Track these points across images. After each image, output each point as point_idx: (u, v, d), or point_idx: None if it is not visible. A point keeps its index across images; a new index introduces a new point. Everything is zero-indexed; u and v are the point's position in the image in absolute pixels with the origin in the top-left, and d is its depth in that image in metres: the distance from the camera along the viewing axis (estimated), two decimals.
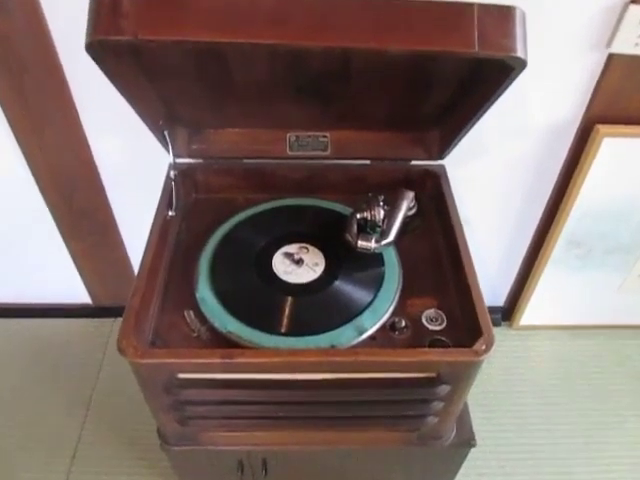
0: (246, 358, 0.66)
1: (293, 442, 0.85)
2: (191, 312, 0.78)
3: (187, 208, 0.95)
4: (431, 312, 0.79)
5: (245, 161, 0.95)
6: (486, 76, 0.72)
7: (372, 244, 0.81)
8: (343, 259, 0.84)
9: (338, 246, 0.85)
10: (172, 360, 0.66)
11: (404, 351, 0.69)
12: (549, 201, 1.13)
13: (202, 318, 0.77)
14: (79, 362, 1.32)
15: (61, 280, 1.34)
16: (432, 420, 0.78)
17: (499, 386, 1.26)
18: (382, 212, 0.84)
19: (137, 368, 0.68)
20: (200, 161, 0.95)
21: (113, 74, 0.70)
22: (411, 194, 0.87)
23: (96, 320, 1.39)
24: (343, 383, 0.71)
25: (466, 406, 0.91)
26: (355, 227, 0.84)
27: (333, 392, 0.72)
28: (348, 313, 0.76)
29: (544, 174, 1.10)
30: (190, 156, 0.93)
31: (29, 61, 0.94)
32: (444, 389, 0.72)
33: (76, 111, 1.00)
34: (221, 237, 0.88)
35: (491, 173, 1.11)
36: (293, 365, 0.67)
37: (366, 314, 0.77)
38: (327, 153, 0.94)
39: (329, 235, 0.87)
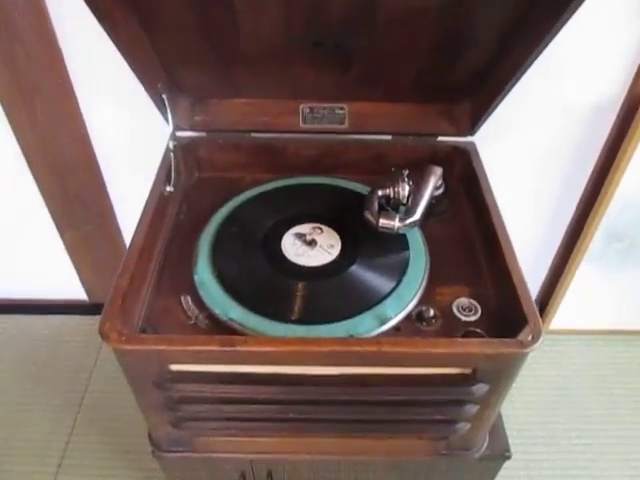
0: (250, 346, 0.56)
1: (303, 450, 0.74)
2: (188, 297, 0.68)
3: (189, 188, 0.86)
4: (463, 301, 0.69)
5: (253, 135, 0.86)
6: (536, 17, 0.62)
7: (396, 223, 0.71)
8: (362, 241, 0.74)
9: (356, 227, 0.75)
10: (163, 347, 0.56)
11: (437, 341, 0.58)
12: (587, 189, 1.02)
13: (200, 304, 0.67)
14: (72, 362, 1.22)
15: (55, 274, 1.25)
16: (463, 427, 0.67)
17: (529, 395, 1.15)
18: (407, 188, 0.75)
19: (122, 357, 0.58)
20: (203, 135, 0.86)
21: (109, 23, 0.62)
22: (439, 170, 0.77)
23: (91, 317, 1.29)
24: (363, 380, 0.61)
25: (499, 413, 0.80)
26: (376, 205, 0.74)
27: (351, 391, 0.62)
28: (368, 300, 0.66)
29: (582, 158, 0.99)
30: (192, 128, 0.84)
31: (20, 27, 0.86)
32: (480, 389, 0.61)
33: (70, 82, 0.91)
34: (225, 216, 0.78)
35: (522, 157, 1.01)
36: (305, 356, 0.57)
37: (389, 301, 0.66)
38: (344, 126, 0.84)
39: (346, 215, 0.78)
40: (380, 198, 0.75)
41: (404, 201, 0.75)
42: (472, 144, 0.85)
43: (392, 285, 0.68)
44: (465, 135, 0.85)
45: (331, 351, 0.56)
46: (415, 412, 0.65)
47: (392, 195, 0.75)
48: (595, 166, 0.99)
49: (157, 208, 0.73)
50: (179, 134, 0.84)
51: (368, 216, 0.73)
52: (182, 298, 0.68)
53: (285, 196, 0.82)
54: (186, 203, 0.83)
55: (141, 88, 0.74)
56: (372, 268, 0.71)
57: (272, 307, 0.65)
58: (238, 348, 0.56)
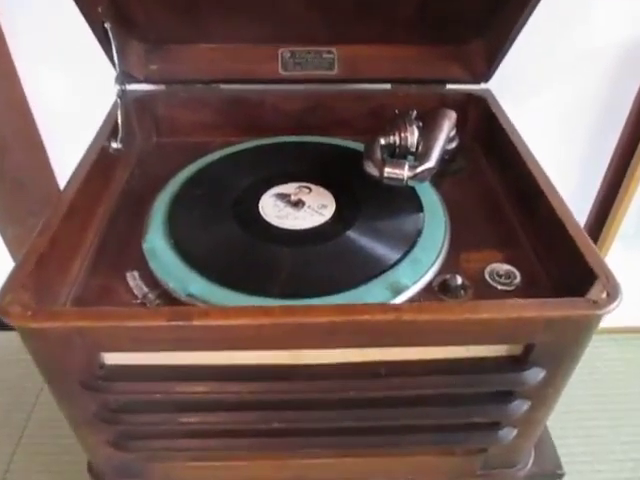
0: (212, 320, 0.39)
1: (293, 477, 0.56)
2: (135, 273, 0.51)
3: (144, 154, 0.70)
4: (497, 267, 0.52)
5: (223, 87, 0.71)
6: None
7: (405, 172, 0.55)
8: (362, 199, 0.58)
9: (354, 184, 0.60)
10: (87, 324, 0.39)
11: (478, 304, 0.42)
12: (617, 152, 0.88)
13: (151, 280, 0.50)
14: (15, 382, 1.02)
15: None
16: (508, 434, 0.50)
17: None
18: (416, 132, 0.59)
19: (31, 342, 0.41)
20: (162, 88, 0.70)
21: None
22: (453, 114, 0.62)
23: None
24: (373, 369, 0.44)
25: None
26: (379, 154, 0.59)
27: (357, 385, 0.45)
28: (376, 265, 0.50)
29: (612, 115, 0.84)
30: (148, 80, 0.68)
31: None
32: (535, 376, 0.44)
33: (2, 35, 0.76)
34: (187, 178, 0.62)
35: (543, 116, 0.85)
36: (293, 333, 0.40)
37: (403, 267, 0.50)
38: (334, 73, 0.70)
39: (340, 173, 0.62)
40: (383, 148, 0.60)
41: (413, 149, 0.59)
42: (488, 91, 0.71)
43: (405, 248, 0.52)
44: (479, 81, 0.70)
45: (330, 323, 0.39)
46: (445, 414, 0.48)
47: (398, 142, 0.60)
48: (627, 124, 0.85)
49: (98, 166, 0.57)
50: (132, 88, 0.68)
51: (369, 167, 0.58)
52: (128, 274, 0.51)
53: (263, 155, 0.66)
54: (140, 169, 0.67)
55: (92, 43, 0.59)
56: (377, 228, 0.55)
57: (247, 278, 0.49)
58: (196, 322, 0.39)
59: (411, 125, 0.59)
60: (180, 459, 0.53)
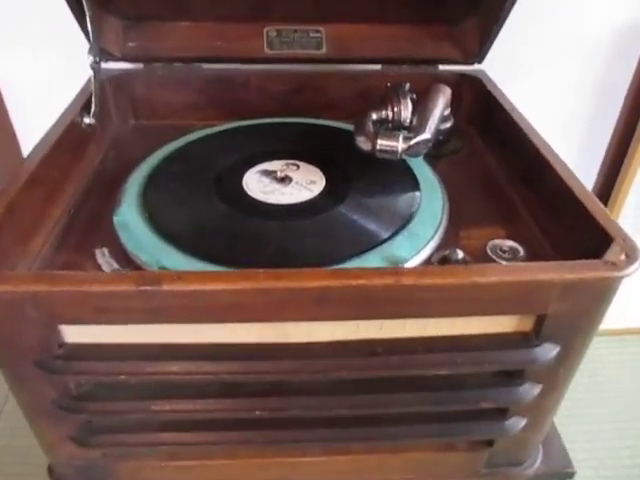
0: (185, 284, 0.34)
1: (278, 477, 0.50)
2: (105, 249, 0.46)
3: (120, 135, 0.65)
4: (499, 242, 0.48)
5: (205, 67, 0.67)
6: None
7: (399, 143, 0.52)
8: (354, 175, 0.54)
9: (345, 162, 0.56)
10: (42, 288, 0.34)
11: (486, 267, 0.38)
12: (615, 135, 0.84)
13: (123, 257, 0.45)
14: None
15: None
16: (516, 425, 0.46)
17: (570, 409, 0.90)
18: (410, 105, 0.56)
19: None
20: (140, 67, 0.66)
21: None
22: (447, 89, 0.59)
23: None
24: (369, 347, 0.40)
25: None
26: (371, 127, 0.55)
27: (350, 364, 0.40)
28: (370, 238, 0.46)
29: (609, 97, 0.81)
30: (126, 57, 0.64)
31: None
32: (547, 352, 0.40)
33: None
34: (165, 155, 0.58)
35: (537, 99, 0.82)
36: (280, 301, 0.36)
37: (399, 240, 0.46)
38: (322, 52, 0.66)
39: (330, 152, 0.58)
40: (375, 123, 0.56)
41: (407, 123, 0.56)
42: (482, 72, 0.68)
43: (401, 222, 0.48)
44: (472, 61, 0.67)
45: (321, 290, 0.35)
46: (447, 399, 0.43)
47: (391, 117, 0.56)
48: (625, 105, 0.82)
49: (67, 139, 0.52)
50: (108, 66, 0.64)
51: (361, 141, 0.54)
52: (97, 251, 0.46)
53: (246, 134, 0.62)
54: (115, 151, 0.62)
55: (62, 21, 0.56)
56: (370, 202, 0.51)
57: (227, 251, 0.44)
58: (166, 287, 0.34)
59: (405, 98, 0.56)
60: (151, 457, 0.47)
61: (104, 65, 0.64)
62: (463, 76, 0.67)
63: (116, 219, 0.47)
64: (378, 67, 0.68)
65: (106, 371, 0.38)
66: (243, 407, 0.41)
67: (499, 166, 0.59)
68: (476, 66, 0.68)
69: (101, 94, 0.60)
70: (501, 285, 0.36)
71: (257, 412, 0.41)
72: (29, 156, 0.48)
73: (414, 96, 0.56)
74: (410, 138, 0.52)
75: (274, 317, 0.37)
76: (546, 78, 0.78)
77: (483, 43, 0.65)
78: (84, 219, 0.50)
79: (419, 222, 0.48)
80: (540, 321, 0.39)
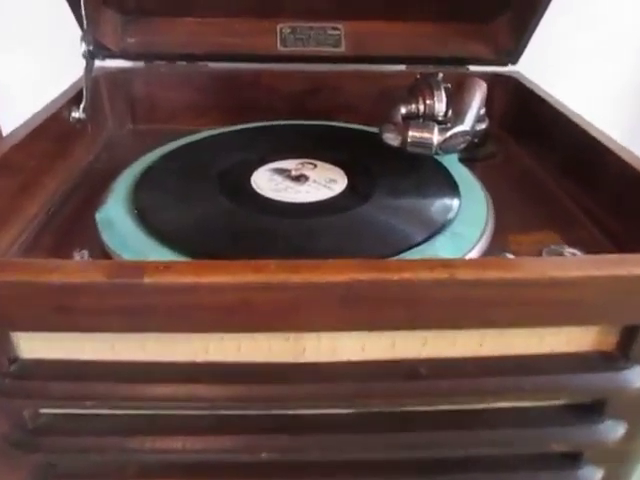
0: (178, 277, 0.26)
1: None
2: (85, 252, 0.38)
3: (115, 139, 0.59)
4: (556, 248, 0.40)
5: (211, 65, 0.61)
6: None
7: (434, 135, 0.44)
8: (381, 173, 0.46)
9: (369, 160, 0.49)
10: None
11: (565, 260, 0.29)
12: None
13: (104, 258, 0.37)
14: None
15: None
16: (591, 476, 0.36)
17: None
18: (444, 97, 0.49)
19: None
20: (141, 65, 0.60)
21: None
22: (484, 84, 0.52)
23: None
24: (410, 368, 0.31)
25: None
26: (400, 119, 0.48)
27: (386, 388, 0.31)
28: (406, 237, 0.37)
29: None
30: (124, 54, 0.59)
31: None
32: (637, 377, 0.31)
33: None
34: (163, 152, 0.50)
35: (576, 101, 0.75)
36: (295, 302, 0.27)
37: (441, 240, 0.38)
38: (341, 50, 0.60)
39: (351, 150, 0.51)
40: (404, 118, 0.49)
41: (441, 118, 0.49)
42: (517, 72, 0.62)
43: (440, 221, 0.40)
44: (506, 62, 0.61)
45: (349, 286, 0.26)
46: (507, 438, 0.33)
47: (422, 111, 0.49)
48: None
49: (50, 130, 0.46)
50: (105, 64, 0.59)
51: (389, 134, 0.47)
52: (75, 254, 0.38)
53: (255, 134, 0.55)
54: (108, 154, 0.55)
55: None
56: (402, 201, 0.43)
57: (228, 249, 0.36)
58: (148, 280, 0.26)
59: (439, 89, 0.49)
60: None
61: (101, 63, 0.58)
62: (496, 76, 0.61)
63: (99, 216, 0.40)
64: (402, 67, 0.62)
65: (70, 394, 0.30)
66: (246, 447, 0.32)
67: (542, 168, 0.52)
68: (510, 67, 0.62)
69: (95, 92, 0.54)
70: (585, 283, 0.27)
71: (264, 454, 0.32)
72: (3, 139, 0.41)
73: (449, 86, 0.49)
74: (446, 129, 0.45)
75: (288, 324, 0.28)
76: (583, 81, 0.72)
77: (518, 41, 0.59)
78: (64, 219, 0.43)
79: (461, 222, 0.40)
80: (628, 336, 0.30)
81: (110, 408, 0.30)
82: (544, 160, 0.52)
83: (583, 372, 0.31)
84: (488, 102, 0.55)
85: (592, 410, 0.33)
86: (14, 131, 0.42)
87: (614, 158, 0.40)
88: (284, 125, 0.57)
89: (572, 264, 0.28)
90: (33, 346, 0.30)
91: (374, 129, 0.55)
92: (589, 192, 0.44)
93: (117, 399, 0.29)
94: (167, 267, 0.26)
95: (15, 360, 0.30)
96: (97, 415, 0.33)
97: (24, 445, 0.32)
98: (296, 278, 0.26)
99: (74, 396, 0.30)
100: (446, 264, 0.27)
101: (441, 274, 0.26)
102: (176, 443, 0.32)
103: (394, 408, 0.31)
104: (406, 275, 0.26)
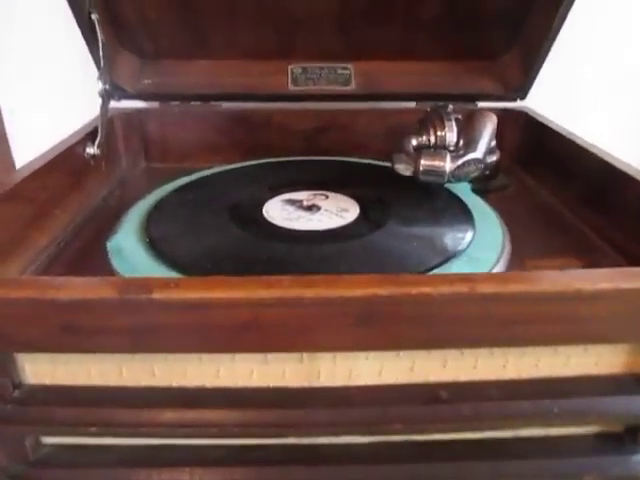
0: (187, 292, 0.25)
1: None
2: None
3: (129, 178, 0.59)
4: None
5: (225, 105, 0.62)
6: None
7: (446, 163, 0.44)
8: (393, 203, 0.46)
9: (381, 190, 0.49)
10: None
11: (595, 272, 0.28)
12: None
13: None
14: None
15: None
16: None
17: None
18: (455, 128, 0.49)
19: None
20: (155, 106, 0.62)
21: None
22: (494, 117, 0.52)
23: None
24: (427, 392, 0.29)
25: None
26: (411, 148, 0.48)
27: (406, 412, 0.29)
28: (422, 261, 0.37)
29: None
30: (140, 95, 0.60)
31: None
32: None
33: None
34: (176, 187, 0.51)
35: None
36: (310, 319, 0.26)
37: (458, 265, 0.37)
38: (351, 88, 0.61)
39: (363, 183, 0.51)
40: (415, 149, 0.49)
41: (452, 148, 0.49)
42: (526, 107, 0.62)
43: (456, 245, 0.39)
44: (515, 97, 0.62)
45: (367, 300, 0.26)
46: (536, 469, 0.31)
47: (433, 142, 0.49)
48: None
49: (63, 164, 0.47)
50: (120, 105, 0.60)
51: (400, 164, 0.47)
52: None
53: (267, 169, 0.56)
54: (121, 190, 0.56)
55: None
56: (416, 228, 0.42)
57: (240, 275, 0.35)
58: (157, 296, 0.25)
59: (449, 120, 0.49)
60: None
61: (117, 104, 0.59)
62: (506, 111, 0.61)
63: (109, 244, 0.39)
64: (412, 104, 0.63)
65: (75, 420, 0.28)
66: (256, 479, 0.30)
67: (557, 198, 0.51)
68: (518, 102, 0.62)
69: (109, 131, 0.55)
70: (613, 296, 0.26)
71: None
72: (18, 170, 0.41)
73: (459, 117, 0.49)
74: (458, 157, 0.45)
75: (302, 343, 0.27)
76: (593, 117, 0.72)
77: (526, 77, 0.60)
78: (74, 251, 0.43)
79: (478, 247, 0.39)
80: None
81: (116, 435, 0.29)
82: (560, 190, 0.52)
83: (614, 395, 0.30)
84: (499, 137, 0.55)
85: (626, 439, 0.31)
86: (30, 162, 0.43)
87: (633, 184, 0.39)
88: (295, 160, 0.58)
89: (599, 276, 0.26)
90: (38, 370, 0.29)
91: (385, 163, 0.56)
92: (609, 219, 0.43)
93: (124, 425, 0.28)
94: (176, 284, 0.26)
95: (19, 386, 0.29)
96: (101, 447, 0.31)
97: (24, 478, 0.30)
98: (310, 293, 0.25)
99: (79, 422, 0.28)
100: (466, 278, 0.26)
101: (461, 288, 0.25)
102: (183, 475, 0.30)
103: (414, 435, 0.29)
104: (425, 289, 0.25)
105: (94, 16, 0.52)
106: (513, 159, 0.61)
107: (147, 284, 0.26)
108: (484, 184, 0.54)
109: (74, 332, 0.26)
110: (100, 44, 0.52)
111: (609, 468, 0.32)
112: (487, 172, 0.54)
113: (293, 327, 0.26)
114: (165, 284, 0.26)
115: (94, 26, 0.52)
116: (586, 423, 0.30)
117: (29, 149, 0.47)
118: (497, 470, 0.31)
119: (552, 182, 0.53)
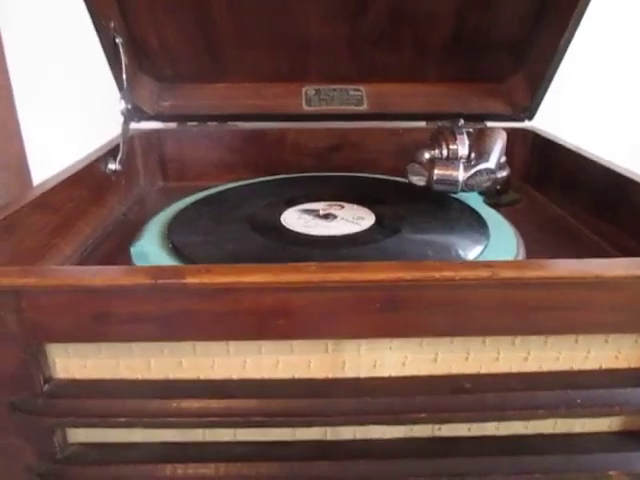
0: (218, 277, 0.26)
1: None
2: None
3: (147, 196, 0.61)
4: None
5: (241, 125, 0.64)
6: None
7: (459, 172, 0.46)
8: (408, 212, 0.47)
9: (395, 201, 0.50)
10: (29, 282, 0.26)
11: (615, 260, 0.29)
12: None
13: None
14: None
15: None
16: None
17: None
18: (466, 142, 0.50)
19: None
20: (173, 126, 0.64)
21: None
22: (503, 132, 0.54)
23: None
24: (451, 382, 0.30)
25: None
26: (425, 160, 0.50)
27: (431, 401, 0.29)
28: None
29: None
30: (158, 116, 0.62)
31: None
32: None
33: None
34: (195, 200, 0.52)
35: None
36: (336, 302, 0.27)
37: None
38: (363, 108, 0.63)
39: (377, 194, 0.52)
40: (429, 161, 0.51)
41: (464, 160, 0.50)
42: (532, 127, 0.64)
43: (472, 250, 0.40)
44: (522, 117, 0.63)
45: (392, 285, 0.26)
46: (561, 464, 0.31)
47: (445, 155, 0.51)
48: None
49: (87, 175, 0.48)
50: (139, 126, 0.62)
51: (414, 174, 0.48)
52: None
53: (284, 184, 0.57)
54: (139, 207, 0.57)
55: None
56: (429, 235, 0.43)
57: None
58: (190, 280, 0.26)
59: (461, 134, 0.51)
60: None
61: (136, 125, 0.61)
62: (514, 131, 0.63)
63: (133, 250, 0.40)
64: (422, 124, 0.64)
65: (103, 411, 0.29)
66: (282, 473, 0.30)
67: (568, 211, 0.52)
68: (527, 123, 0.64)
69: (129, 150, 0.57)
70: (633, 284, 0.27)
71: None
72: (44, 181, 0.42)
73: (471, 130, 0.51)
74: (471, 167, 0.46)
75: (327, 330, 0.28)
76: (599, 134, 0.74)
77: (533, 98, 0.62)
78: (98, 258, 0.44)
79: (492, 252, 0.40)
80: None
81: (144, 426, 0.29)
82: (570, 203, 0.53)
83: (636, 387, 0.30)
84: (508, 156, 0.56)
85: None
86: (55, 175, 0.44)
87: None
88: (309, 176, 0.59)
89: (619, 264, 0.27)
90: (69, 364, 0.30)
91: (398, 178, 0.57)
92: (620, 227, 0.44)
93: (151, 415, 0.28)
94: (209, 269, 0.26)
95: (49, 380, 0.29)
96: (127, 444, 0.32)
97: (52, 476, 0.30)
98: (336, 277, 0.26)
99: (107, 413, 0.29)
100: (487, 264, 0.27)
101: (483, 272, 0.26)
102: (208, 470, 0.30)
103: (439, 424, 0.30)
104: (448, 274, 0.26)
105: (118, 40, 0.55)
106: (522, 178, 0.62)
107: (180, 270, 0.27)
108: (495, 199, 0.56)
109: (106, 321, 0.27)
110: (123, 66, 0.55)
111: (635, 464, 0.31)
112: (498, 187, 0.55)
113: (319, 312, 0.27)
114: (197, 270, 0.26)
115: (118, 49, 0.55)
116: (609, 414, 0.30)
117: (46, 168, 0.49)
118: (521, 466, 0.31)
119: (562, 196, 0.54)
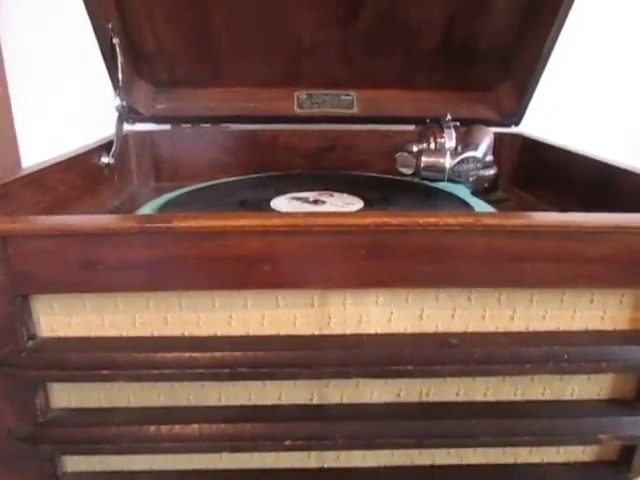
0: (204, 221, 0.26)
1: None
2: None
3: (138, 194, 0.61)
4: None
5: (234, 127, 0.65)
6: None
7: (446, 159, 0.47)
8: (397, 200, 0.48)
9: (384, 192, 0.50)
10: (16, 227, 0.26)
11: (601, 216, 0.29)
12: None
13: None
14: None
15: None
16: None
17: None
18: (453, 135, 0.52)
19: None
20: (167, 128, 0.65)
21: None
22: (490, 131, 0.55)
23: None
24: (438, 338, 0.30)
25: None
26: (413, 149, 0.51)
27: (417, 355, 0.29)
28: None
29: None
30: (153, 118, 0.63)
31: None
32: None
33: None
34: (188, 190, 0.53)
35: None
36: (321, 247, 0.27)
37: None
38: (353, 111, 0.65)
39: (367, 186, 0.53)
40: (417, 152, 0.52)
41: (451, 152, 0.51)
42: (519, 132, 0.65)
43: None
44: (510, 123, 0.65)
45: (376, 229, 0.27)
46: (550, 428, 0.31)
47: (433, 148, 0.52)
48: None
49: (81, 164, 0.49)
50: (134, 128, 0.63)
51: (402, 162, 0.49)
52: None
53: (276, 179, 0.58)
54: (131, 203, 0.58)
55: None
56: None
57: None
58: (176, 224, 0.26)
59: (448, 128, 0.52)
60: None
61: (130, 127, 0.63)
62: (502, 135, 0.64)
63: None
64: (411, 127, 0.66)
65: (87, 364, 0.28)
66: (268, 435, 0.30)
67: (558, 208, 0.53)
68: (513, 128, 0.65)
69: (123, 150, 0.58)
70: (616, 237, 0.27)
71: (287, 442, 0.29)
72: (39, 162, 0.43)
73: (458, 124, 0.52)
74: (458, 154, 0.47)
75: (313, 278, 0.28)
76: (586, 137, 0.76)
77: (520, 105, 0.63)
78: None
79: None
80: None
81: (128, 379, 0.29)
82: (558, 198, 0.53)
83: (623, 345, 0.30)
84: (496, 159, 0.57)
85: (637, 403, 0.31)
86: (49, 159, 0.45)
87: (627, 176, 0.41)
88: (302, 173, 0.60)
89: (602, 217, 0.28)
90: (53, 322, 0.29)
91: (387, 175, 0.58)
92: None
93: (135, 367, 0.28)
94: (196, 216, 0.27)
95: (34, 337, 0.29)
96: (110, 409, 0.31)
97: (32, 439, 0.30)
98: (322, 221, 0.26)
99: (91, 365, 0.28)
100: (471, 214, 0.27)
101: (466, 219, 0.27)
102: (193, 431, 0.30)
103: (427, 378, 0.29)
104: (432, 219, 0.26)
105: (115, 40, 0.56)
106: (510, 180, 0.63)
107: (167, 216, 0.27)
108: (483, 197, 0.56)
109: (93, 269, 0.27)
110: (119, 66, 0.56)
111: (623, 429, 0.31)
112: (486, 185, 0.56)
113: (305, 259, 0.27)
114: (184, 216, 0.27)
115: (114, 49, 0.56)
116: (597, 371, 0.30)
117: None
118: (511, 429, 0.30)
119: (551, 194, 0.55)
